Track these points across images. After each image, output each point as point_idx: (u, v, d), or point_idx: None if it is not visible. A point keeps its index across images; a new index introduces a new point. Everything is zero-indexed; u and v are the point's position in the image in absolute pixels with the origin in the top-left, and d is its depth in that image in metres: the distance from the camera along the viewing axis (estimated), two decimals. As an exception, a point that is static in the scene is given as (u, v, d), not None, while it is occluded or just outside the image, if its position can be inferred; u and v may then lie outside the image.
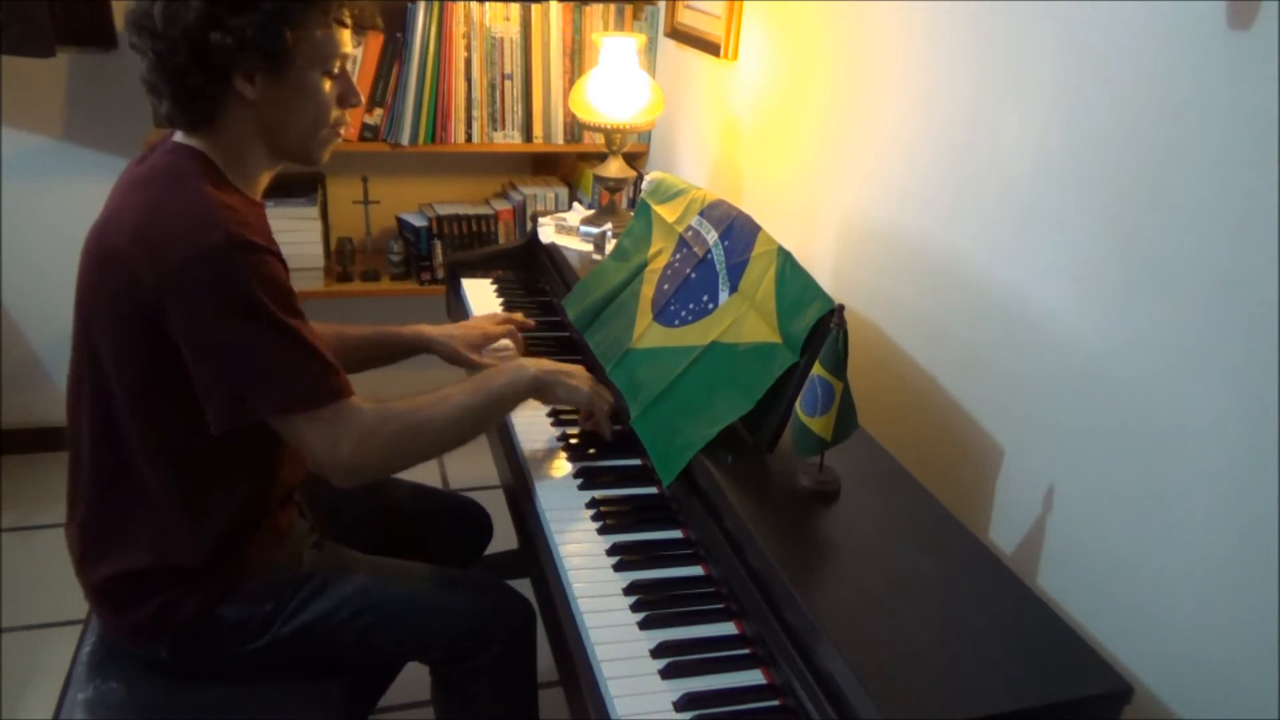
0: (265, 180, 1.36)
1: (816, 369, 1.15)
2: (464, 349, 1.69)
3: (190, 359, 1.19)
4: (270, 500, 1.36)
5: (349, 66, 1.33)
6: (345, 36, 1.30)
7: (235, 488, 1.31)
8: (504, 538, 1.75)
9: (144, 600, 1.30)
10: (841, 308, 1.16)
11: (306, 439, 1.24)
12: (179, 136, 1.29)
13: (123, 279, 1.19)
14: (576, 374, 1.47)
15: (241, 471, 1.31)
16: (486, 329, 1.74)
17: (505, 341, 1.75)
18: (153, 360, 1.21)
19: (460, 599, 1.43)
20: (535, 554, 1.31)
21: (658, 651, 1.09)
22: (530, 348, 1.77)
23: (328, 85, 1.30)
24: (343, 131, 1.36)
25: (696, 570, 1.24)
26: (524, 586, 1.44)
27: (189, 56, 1.20)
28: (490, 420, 1.45)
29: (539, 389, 1.43)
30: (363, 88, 2.45)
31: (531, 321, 1.80)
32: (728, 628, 1.14)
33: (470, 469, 1.83)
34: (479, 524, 1.77)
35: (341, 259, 2.70)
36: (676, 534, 1.31)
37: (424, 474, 1.68)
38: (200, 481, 1.29)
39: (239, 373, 1.20)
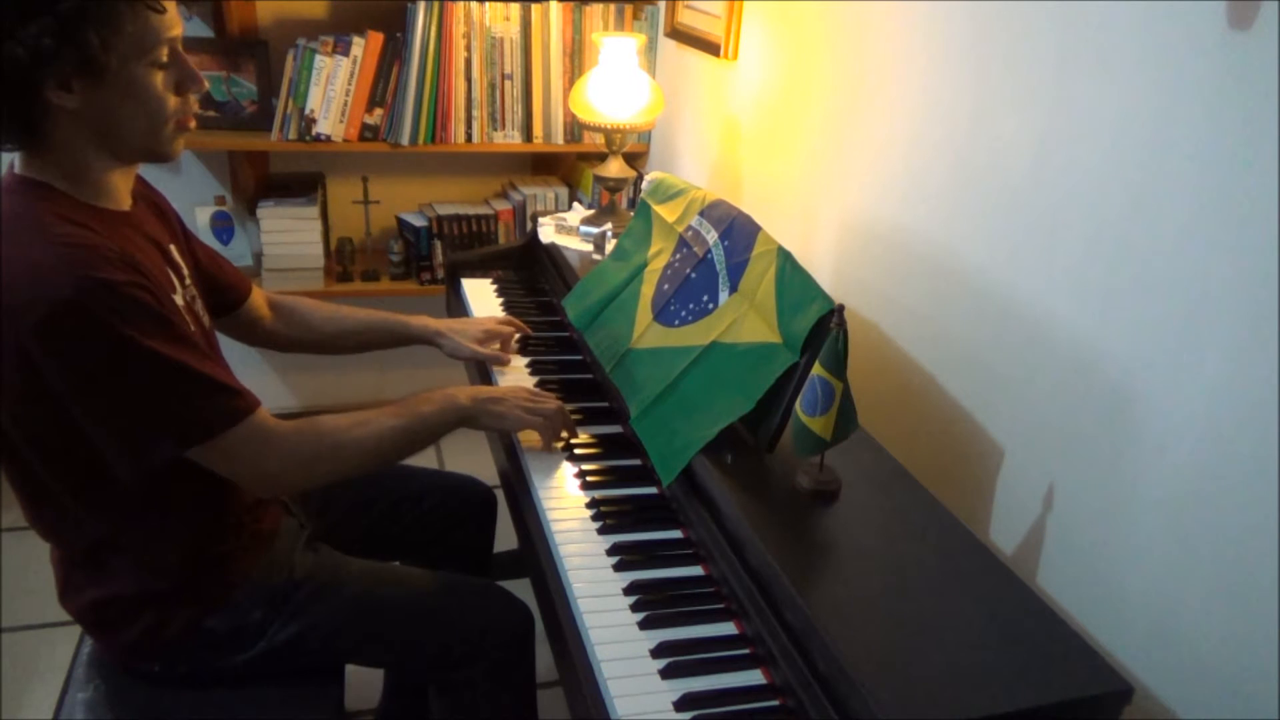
0: (126, 183, 1.24)
1: (816, 369, 1.15)
2: (469, 342, 1.69)
3: (79, 416, 1.12)
4: (237, 509, 1.32)
5: (180, 47, 1.19)
6: (166, 20, 1.14)
7: (190, 511, 1.25)
8: (505, 537, 1.75)
9: (129, 623, 1.28)
10: (841, 308, 1.16)
11: (218, 465, 1.19)
12: (18, 166, 1.17)
13: None
14: (507, 400, 1.42)
15: (189, 494, 1.23)
16: (489, 326, 1.75)
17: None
18: (49, 419, 1.13)
19: (457, 606, 1.42)
20: (535, 554, 1.31)
21: (658, 651, 1.09)
22: (530, 348, 1.78)
23: (159, 77, 1.16)
24: (192, 124, 1.23)
25: (696, 570, 1.24)
26: (524, 585, 1.44)
27: None
28: (415, 446, 1.35)
29: (467, 419, 1.39)
30: (363, 88, 2.45)
31: (529, 330, 1.80)
32: (728, 628, 1.14)
33: (469, 468, 1.83)
34: (482, 500, 1.75)
35: (341, 259, 2.70)
36: (676, 534, 1.30)
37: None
38: (149, 517, 1.24)
39: (129, 422, 1.13)
